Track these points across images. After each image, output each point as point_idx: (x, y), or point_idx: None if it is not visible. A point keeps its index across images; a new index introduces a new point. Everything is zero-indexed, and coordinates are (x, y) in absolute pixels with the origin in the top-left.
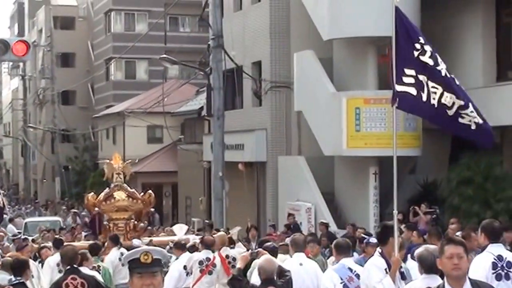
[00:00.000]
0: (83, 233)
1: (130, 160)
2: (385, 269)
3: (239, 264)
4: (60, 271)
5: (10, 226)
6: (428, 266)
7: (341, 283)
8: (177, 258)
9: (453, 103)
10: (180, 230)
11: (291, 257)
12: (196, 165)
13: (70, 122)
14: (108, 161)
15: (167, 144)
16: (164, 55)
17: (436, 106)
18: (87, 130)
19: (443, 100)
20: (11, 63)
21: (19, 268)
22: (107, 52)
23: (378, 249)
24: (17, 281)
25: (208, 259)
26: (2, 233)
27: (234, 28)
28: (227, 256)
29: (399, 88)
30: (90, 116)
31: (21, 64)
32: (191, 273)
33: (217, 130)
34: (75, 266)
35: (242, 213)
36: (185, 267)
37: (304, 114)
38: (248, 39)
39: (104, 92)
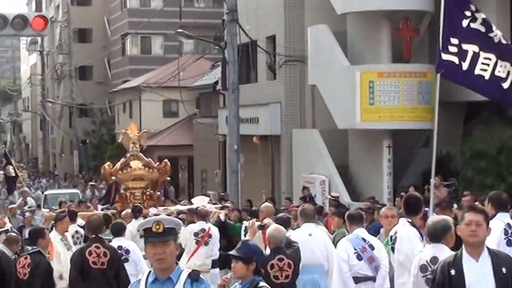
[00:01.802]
0: (100, 206)
1: (146, 130)
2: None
3: (248, 236)
4: (75, 243)
5: (29, 198)
6: (433, 235)
7: (354, 253)
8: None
9: (508, 73)
10: (200, 202)
11: (300, 227)
12: (212, 138)
13: (87, 96)
14: (124, 130)
15: (182, 118)
16: (180, 30)
17: (487, 78)
18: (104, 105)
19: (496, 72)
20: (29, 39)
21: (34, 237)
22: (123, 28)
23: (407, 219)
24: (34, 250)
25: (203, 230)
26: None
27: (248, 2)
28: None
29: (444, 56)
30: (106, 91)
31: (39, 40)
32: (206, 244)
33: (232, 104)
34: (99, 235)
35: (257, 185)
36: (196, 234)
37: (318, 87)
38: (262, 13)
39: (120, 67)
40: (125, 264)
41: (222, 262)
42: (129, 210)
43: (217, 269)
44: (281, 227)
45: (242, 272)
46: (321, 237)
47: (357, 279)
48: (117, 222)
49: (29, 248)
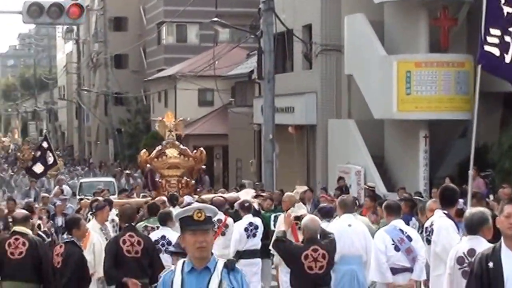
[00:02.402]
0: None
1: (182, 118)
2: (455, 230)
3: (283, 227)
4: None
5: (65, 186)
6: (470, 228)
7: (392, 244)
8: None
9: None
10: (246, 195)
11: (339, 218)
12: (247, 127)
13: (122, 85)
14: (160, 118)
15: (218, 107)
16: (215, 19)
17: None
18: (139, 93)
19: None
20: (65, 28)
21: (69, 226)
22: (158, 16)
23: (442, 211)
24: (68, 239)
25: (219, 220)
26: (59, 190)
27: None
28: (296, 217)
29: (486, 48)
30: (142, 80)
31: (75, 28)
32: (254, 236)
33: (267, 93)
34: (133, 224)
35: (292, 175)
36: (246, 229)
37: (355, 77)
38: (298, 2)
39: (155, 56)
40: (165, 255)
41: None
42: (164, 198)
43: (259, 259)
44: (316, 218)
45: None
46: (360, 228)
47: (394, 270)
48: (164, 211)
49: (64, 237)
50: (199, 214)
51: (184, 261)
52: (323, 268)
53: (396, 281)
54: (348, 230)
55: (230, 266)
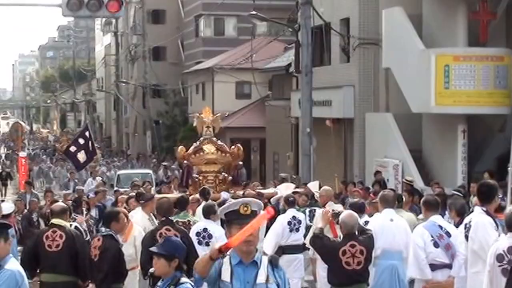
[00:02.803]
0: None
1: (219, 114)
2: (494, 227)
3: (320, 224)
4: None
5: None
6: (510, 225)
7: (431, 240)
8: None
9: None
10: (286, 189)
11: (380, 213)
12: (284, 121)
13: (160, 77)
14: (198, 114)
15: (255, 100)
16: (253, 12)
17: None
18: (177, 86)
19: None
20: (104, 20)
21: (108, 220)
22: (196, 9)
23: (481, 208)
24: (106, 233)
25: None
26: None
27: None
28: (333, 211)
29: None
30: (180, 72)
31: (113, 20)
32: (297, 230)
33: (305, 87)
34: (169, 217)
35: (329, 169)
36: (289, 223)
37: (393, 71)
38: None
39: (193, 49)
40: (206, 248)
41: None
42: (197, 195)
43: (301, 255)
44: (354, 213)
45: (164, 269)
46: (402, 223)
47: (433, 267)
48: (208, 204)
49: (103, 229)
50: (245, 208)
51: (229, 255)
52: (360, 264)
53: (435, 277)
54: (390, 225)
55: (274, 262)
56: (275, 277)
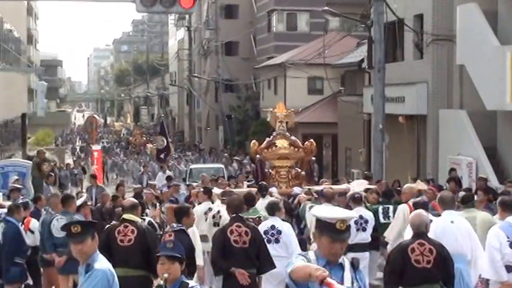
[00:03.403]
0: (245, 183)
1: (293, 109)
2: None
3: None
4: (207, 220)
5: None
6: None
7: (507, 241)
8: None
9: None
10: (359, 186)
11: (440, 215)
12: (356, 116)
13: (233, 72)
14: (271, 109)
15: (327, 95)
16: (326, 8)
17: None
18: (249, 80)
19: None
20: (177, 15)
21: (179, 215)
22: (269, 4)
23: None
24: (178, 228)
25: None
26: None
27: None
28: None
29: None
30: (252, 67)
31: (186, 16)
32: (364, 230)
33: (377, 83)
34: (240, 214)
35: (401, 166)
36: (356, 223)
37: (467, 67)
38: None
39: (265, 44)
40: (276, 245)
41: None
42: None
43: (368, 253)
44: (422, 212)
45: (178, 274)
46: (464, 225)
47: (509, 268)
48: (273, 201)
49: (174, 225)
50: (342, 225)
51: (315, 253)
52: (430, 263)
53: (511, 279)
54: (451, 227)
55: (356, 265)
56: (357, 280)
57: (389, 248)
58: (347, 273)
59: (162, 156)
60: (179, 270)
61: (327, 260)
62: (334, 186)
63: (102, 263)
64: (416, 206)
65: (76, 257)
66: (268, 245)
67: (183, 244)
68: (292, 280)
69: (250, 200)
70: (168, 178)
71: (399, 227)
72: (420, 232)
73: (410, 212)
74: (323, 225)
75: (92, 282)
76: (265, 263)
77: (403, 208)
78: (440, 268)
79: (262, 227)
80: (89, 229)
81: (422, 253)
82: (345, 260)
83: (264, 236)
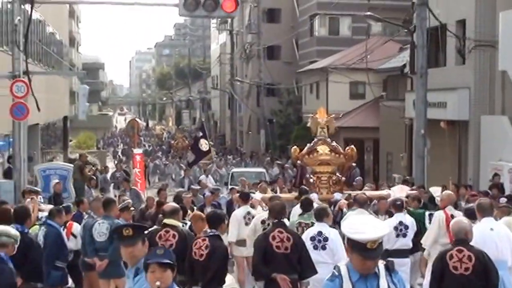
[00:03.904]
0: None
1: (334, 114)
2: None
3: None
4: (246, 224)
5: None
6: None
7: None
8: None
9: None
10: (401, 191)
11: (480, 222)
12: (398, 121)
13: (274, 76)
14: (313, 115)
15: (369, 100)
16: (368, 12)
17: None
18: (291, 85)
19: None
20: (219, 19)
21: (216, 222)
22: (311, 9)
23: None
24: (213, 233)
25: None
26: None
27: None
28: (452, 216)
29: None
30: (294, 71)
31: (229, 19)
32: (404, 236)
33: (419, 88)
34: (282, 220)
35: (443, 171)
36: (396, 228)
37: (509, 73)
38: None
39: (308, 48)
40: (322, 252)
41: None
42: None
43: (408, 259)
44: (462, 219)
45: (170, 281)
46: (504, 231)
47: None
48: (321, 207)
49: (208, 231)
50: (373, 244)
51: (347, 267)
52: (468, 270)
53: None
54: (491, 234)
55: (391, 268)
56: (394, 283)
57: (425, 254)
58: (383, 280)
59: (196, 158)
60: (170, 278)
61: (360, 275)
62: (373, 192)
63: None
64: (466, 212)
65: (126, 261)
66: (314, 251)
67: (218, 251)
68: None
69: (307, 205)
70: (199, 183)
71: (435, 233)
72: (459, 239)
73: (446, 219)
74: (354, 244)
75: (142, 285)
76: (306, 269)
77: (438, 214)
78: (480, 275)
79: (309, 233)
80: (140, 233)
81: (461, 260)
82: (381, 266)
83: (310, 242)
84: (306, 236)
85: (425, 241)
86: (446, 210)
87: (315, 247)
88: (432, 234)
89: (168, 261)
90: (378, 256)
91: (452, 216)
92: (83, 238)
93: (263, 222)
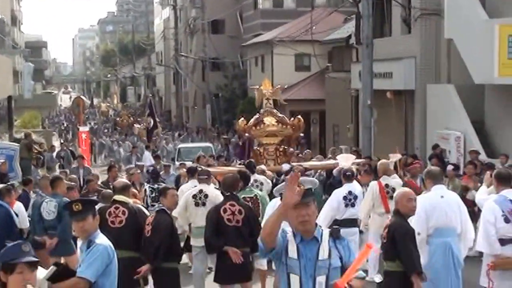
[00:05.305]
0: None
1: (279, 86)
2: None
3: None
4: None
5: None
6: None
7: (502, 215)
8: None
9: None
10: (346, 160)
11: (430, 190)
12: (344, 93)
13: (219, 50)
14: (258, 87)
15: (314, 72)
16: None
17: None
18: (236, 59)
19: None
20: None
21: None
22: None
23: None
24: (159, 208)
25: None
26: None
27: None
28: (386, 185)
29: None
30: (238, 45)
31: None
32: (352, 205)
33: (365, 58)
34: (234, 193)
35: (389, 141)
36: (345, 198)
37: (455, 41)
38: None
39: (252, 21)
40: (352, 209)
41: None
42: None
43: (357, 229)
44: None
45: (36, 281)
46: (454, 199)
47: (502, 241)
48: (349, 168)
49: (155, 205)
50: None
51: (293, 232)
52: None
53: (504, 252)
54: (441, 201)
55: (335, 235)
56: (338, 249)
57: (362, 226)
58: (323, 246)
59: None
60: (36, 278)
61: (301, 237)
62: (321, 162)
63: (102, 239)
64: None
65: (78, 235)
66: (346, 208)
67: (162, 223)
68: (263, 242)
69: (246, 178)
70: (156, 158)
71: (369, 204)
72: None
73: (381, 189)
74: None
75: (93, 255)
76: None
77: (372, 185)
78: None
79: (341, 193)
80: (90, 207)
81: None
82: (323, 232)
83: (343, 201)
84: (338, 196)
85: (361, 212)
86: (381, 180)
87: (346, 205)
88: (366, 206)
89: (37, 259)
90: (308, 202)
91: (387, 185)
92: (32, 216)
93: (194, 196)
